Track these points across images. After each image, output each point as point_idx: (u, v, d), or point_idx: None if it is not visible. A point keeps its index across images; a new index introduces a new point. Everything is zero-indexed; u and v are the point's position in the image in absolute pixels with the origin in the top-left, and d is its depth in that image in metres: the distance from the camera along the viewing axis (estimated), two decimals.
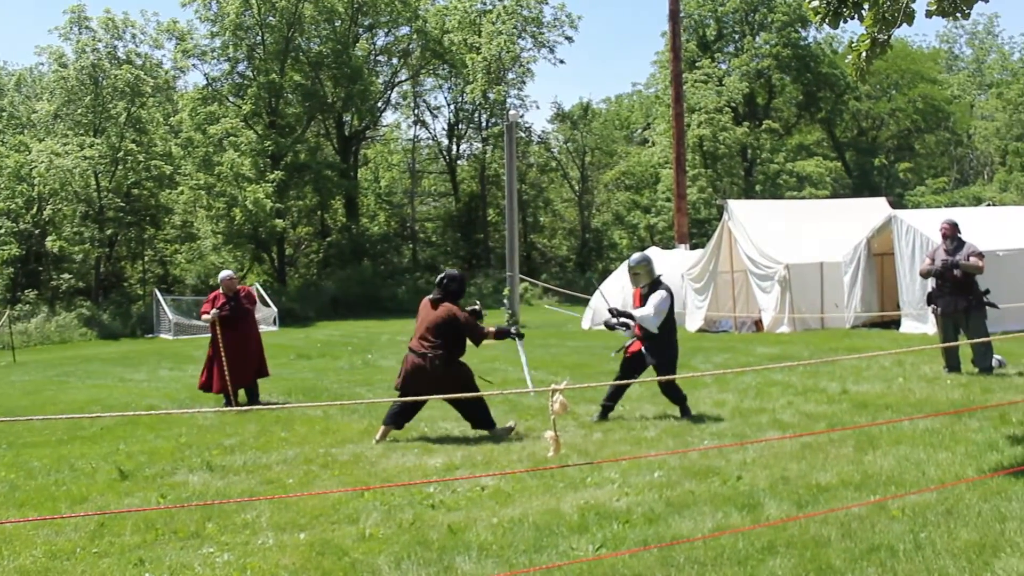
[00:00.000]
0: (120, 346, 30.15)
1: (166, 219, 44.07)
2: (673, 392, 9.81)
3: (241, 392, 12.58)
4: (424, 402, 9.64)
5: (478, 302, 10.53)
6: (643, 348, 9.69)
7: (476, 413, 9.40)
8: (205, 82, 44.96)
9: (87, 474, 8.53)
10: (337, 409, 11.23)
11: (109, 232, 39.81)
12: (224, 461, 8.71)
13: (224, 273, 13.04)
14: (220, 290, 12.72)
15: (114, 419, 11.42)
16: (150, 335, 35.42)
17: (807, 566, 5.10)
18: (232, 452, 9.17)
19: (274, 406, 11.79)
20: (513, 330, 10.22)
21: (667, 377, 9.36)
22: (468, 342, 9.53)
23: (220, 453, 9.12)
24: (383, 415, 9.82)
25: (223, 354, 12.28)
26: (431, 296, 9.70)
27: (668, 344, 9.79)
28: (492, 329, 9.77)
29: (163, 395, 14.67)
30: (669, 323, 9.80)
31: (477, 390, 9.41)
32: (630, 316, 9.79)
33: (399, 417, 9.41)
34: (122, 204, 39.95)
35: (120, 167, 39.83)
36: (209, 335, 12.79)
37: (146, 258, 45.35)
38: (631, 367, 9.84)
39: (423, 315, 9.61)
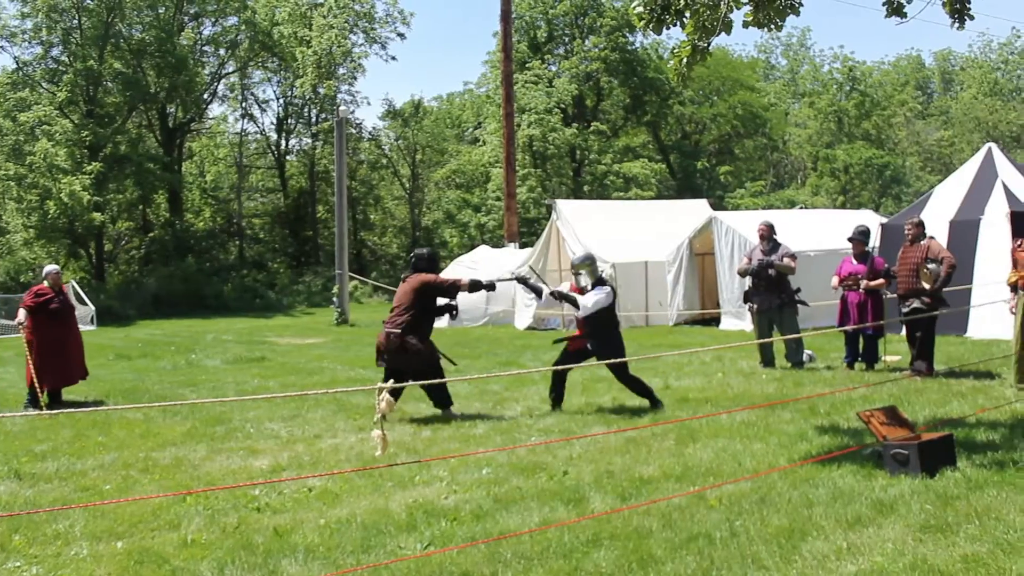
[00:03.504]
0: None
1: None
2: (634, 384, 10.03)
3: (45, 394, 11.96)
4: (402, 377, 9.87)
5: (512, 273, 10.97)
6: (588, 344, 10.00)
7: (434, 390, 9.89)
8: (15, 66, 42.48)
9: None
10: (159, 411, 10.82)
11: None
12: (34, 468, 8.26)
13: (51, 267, 12.61)
14: (46, 284, 12.20)
15: None
16: None
17: (630, 557, 5.25)
18: (43, 459, 8.69)
19: (90, 409, 11.27)
20: (484, 281, 10.54)
21: (617, 360, 9.64)
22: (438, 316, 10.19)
23: (30, 460, 8.63)
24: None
25: (40, 352, 11.75)
26: (403, 276, 10.28)
27: (611, 339, 10.03)
28: (466, 280, 10.31)
29: None
30: (611, 320, 10.09)
31: (439, 368, 9.99)
32: (574, 302, 10.01)
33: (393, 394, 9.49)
34: None
35: None
36: (22, 334, 12.16)
37: None
38: (571, 357, 10.11)
39: (396, 294, 10.17)
